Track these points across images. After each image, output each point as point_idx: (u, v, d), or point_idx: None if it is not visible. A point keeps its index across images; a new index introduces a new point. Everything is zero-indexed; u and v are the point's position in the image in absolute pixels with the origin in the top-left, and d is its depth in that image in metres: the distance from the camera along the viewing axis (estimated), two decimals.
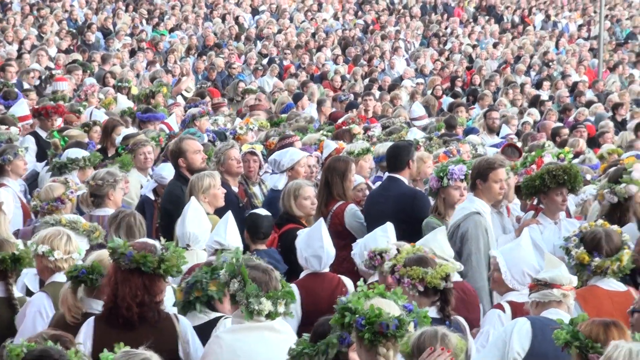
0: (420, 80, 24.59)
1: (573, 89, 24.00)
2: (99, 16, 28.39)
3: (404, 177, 9.58)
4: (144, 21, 28.90)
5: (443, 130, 15.43)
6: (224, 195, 9.17)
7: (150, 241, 6.32)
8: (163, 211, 9.80)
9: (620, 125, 19.28)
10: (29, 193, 10.84)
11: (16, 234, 8.61)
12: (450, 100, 21.43)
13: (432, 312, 6.47)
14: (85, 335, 5.91)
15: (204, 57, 25.04)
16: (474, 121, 18.42)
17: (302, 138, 12.62)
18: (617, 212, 8.99)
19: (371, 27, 31.72)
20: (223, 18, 30.28)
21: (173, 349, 6.03)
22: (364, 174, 10.83)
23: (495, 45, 29.97)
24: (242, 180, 10.53)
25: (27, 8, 27.97)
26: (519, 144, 13.72)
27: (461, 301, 6.89)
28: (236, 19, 30.25)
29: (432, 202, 9.14)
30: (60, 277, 6.68)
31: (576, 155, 13.31)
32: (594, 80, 25.22)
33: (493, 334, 6.57)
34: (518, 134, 17.41)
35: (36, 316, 6.58)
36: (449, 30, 32.07)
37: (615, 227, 7.46)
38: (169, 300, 6.56)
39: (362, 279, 5.76)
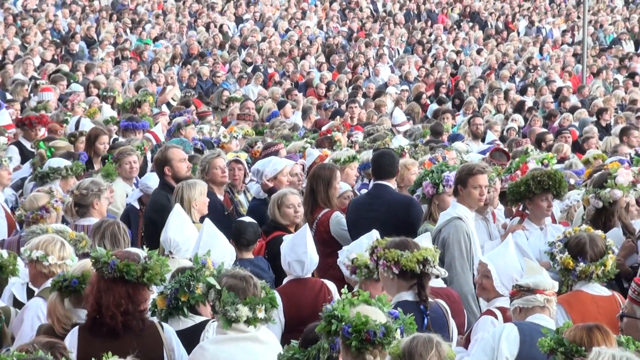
0: (405, 87, 24.61)
1: (557, 94, 24.08)
2: (83, 26, 28.35)
3: (392, 184, 9.60)
4: (127, 30, 28.86)
5: (428, 137, 15.44)
6: (210, 204, 9.17)
7: (134, 250, 6.32)
8: (147, 220, 9.78)
9: (605, 131, 19.34)
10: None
11: (1, 244, 8.59)
12: (436, 107, 21.47)
13: (409, 295, 6.51)
14: (69, 345, 5.85)
15: (189, 66, 25.04)
16: (459, 127, 18.46)
17: (286, 146, 12.63)
18: (602, 217, 9.03)
19: (355, 35, 31.75)
20: (207, 27, 30.28)
21: (158, 357, 6.02)
22: (350, 182, 10.84)
23: (479, 52, 30.06)
24: (228, 188, 10.53)
25: (10, 18, 27.88)
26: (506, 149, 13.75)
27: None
28: (220, 27, 30.25)
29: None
30: None
31: (561, 160, 13.35)
32: (579, 86, 25.30)
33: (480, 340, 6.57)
34: (502, 139, 17.45)
35: (34, 321, 6.59)
36: (433, 37, 32.13)
37: (599, 232, 7.48)
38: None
39: (346, 286, 5.75)
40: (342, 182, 10.24)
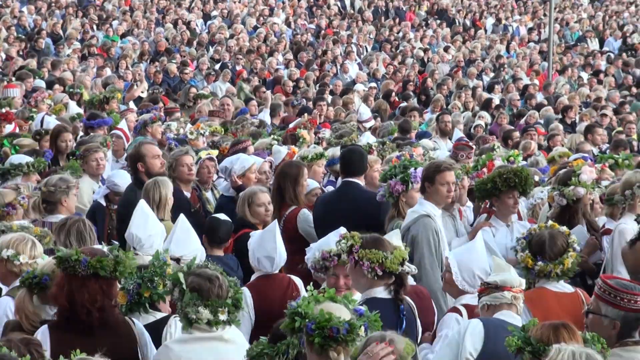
0: (373, 84, 24.65)
1: (524, 92, 24.21)
2: (49, 22, 28.15)
3: (360, 181, 9.62)
4: (94, 27, 28.72)
5: (396, 135, 15.48)
6: (176, 201, 9.17)
7: (97, 247, 6.28)
8: (118, 216, 9.78)
9: (570, 128, 19.49)
10: None
11: None
12: (404, 104, 21.53)
13: (383, 293, 6.54)
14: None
15: (157, 63, 24.95)
16: (427, 125, 18.52)
17: (253, 143, 12.63)
18: (567, 215, 9.12)
19: (323, 32, 31.77)
20: (175, 23, 30.16)
21: (132, 352, 6.01)
22: (318, 179, 10.85)
23: (446, 49, 30.15)
24: (195, 185, 10.52)
25: None
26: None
27: (415, 304, 6.90)
28: (188, 24, 30.16)
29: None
30: None
31: (527, 158, 13.45)
32: (545, 83, 25.44)
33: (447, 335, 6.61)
34: (470, 136, 17.53)
35: (2, 319, 6.53)
36: (400, 35, 32.19)
37: (563, 228, 7.53)
38: None
39: (312, 283, 5.76)
40: (310, 179, 10.26)
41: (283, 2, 34.81)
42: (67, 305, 5.89)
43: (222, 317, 5.81)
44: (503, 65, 28.28)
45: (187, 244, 7.66)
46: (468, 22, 35.19)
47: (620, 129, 18.52)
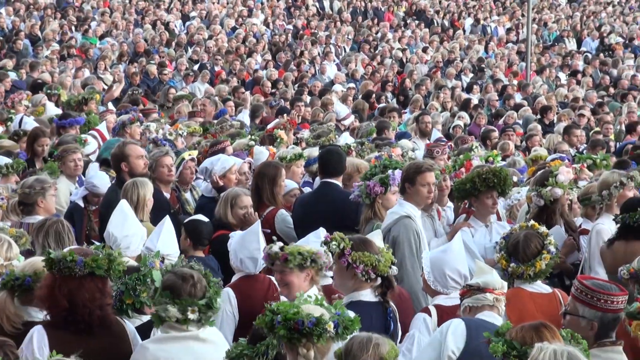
0: (352, 85, 24.68)
1: (502, 92, 24.28)
2: (27, 23, 28.03)
3: (338, 182, 9.62)
4: (73, 28, 28.62)
5: (375, 135, 15.49)
6: (156, 202, 9.16)
7: (84, 247, 6.28)
8: (99, 216, 9.76)
9: (548, 128, 19.58)
10: None
11: None
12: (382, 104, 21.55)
13: (370, 296, 6.58)
14: (38, 344, 5.80)
15: (135, 64, 24.89)
16: (406, 125, 18.55)
17: (232, 144, 12.63)
18: (544, 215, 9.15)
19: (301, 32, 31.78)
20: (154, 24, 30.10)
21: (127, 351, 6.00)
22: (297, 180, 10.86)
23: (425, 50, 30.21)
24: (175, 186, 10.51)
25: None
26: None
27: (396, 306, 6.92)
28: (167, 25, 30.11)
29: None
30: None
31: (505, 158, 13.51)
32: (523, 84, 25.52)
33: (419, 338, 6.62)
34: (448, 137, 17.58)
35: None
36: (379, 35, 32.23)
37: (543, 229, 7.56)
38: None
39: None
40: (288, 180, 10.26)
41: (262, 3, 34.79)
42: (67, 306, 5.85)
43: (192, 316, 5.75)
44: (483, 69, 28.31)
45: (172, 243, 7.66)
46: (446, 23, 35.27)
47: (598, 129, 18.64)
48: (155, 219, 8.50)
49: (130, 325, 6.24)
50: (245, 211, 9.10)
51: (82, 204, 10.39)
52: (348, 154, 11.42)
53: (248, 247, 7.55)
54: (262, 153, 11.71)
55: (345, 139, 13.93)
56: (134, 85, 22.14)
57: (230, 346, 5.84)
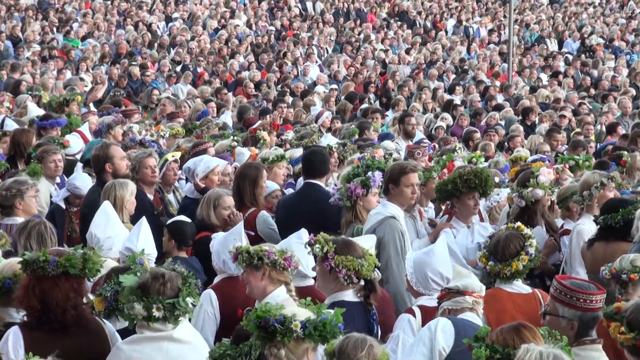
0: (334, 86, 24.69)
1: (484, 93, 24.34)
2: (8, 24, 27.95)
3: (322, 183, 9.63)
4: (54, 29, 28.54)
5: (357, 136, 15.50)
6: (140, 203, 9.15)
7: (61, 248, 6.28)
8: (81, 217, 9.74)
9: (530, 129, 19.64)
10: None
11: None
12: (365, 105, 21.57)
13: (352, 296, 6.60)
14: (13, 344, 5.80)
15: (118, 65, 24.85)
16: (388, 126, 18.58)
17: (215, 145, 12.63)
18: (525, 216, 9.19)
19: (284, 34, 31.78)
20: (136, 26, 30.06)
21: (105, 351, 5.99)
22: (279, 181, 10.86)
23: (407, 51, 30.25)
24: (158, 187, 10.50)
25: None
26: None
27: (377, 307, 6.94)
28: (149, 26, 30.06)
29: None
30: None
31: (487, 159, 13.55)
32: (505, 85, 25.58)
33: (404, 338, 6.64)
34: (430, 138, 17.62)
35: None
36: (361, 36, 32.26)
37: (526, 231, 7.59)
38: None
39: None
40: (270, 181, 10.27)
41: (244, 4, 34.79)
42: (39, 306, 5.86)
43: (157, 314, 5.71)
44: (465, 70, 28.37)
45: (151, 243, 7.66)
46: (429, 24, 35.33)
47: (579, 130, 18.71)
48: (137, 220, 8.48)
49: (110, 325, 6.24)
50: (230, 212, 9.09)
51: (63, 205, 10.38)
52: (330, 155, 11.44)
53: (230, 248, 7.54)
54: (243, 154, 11.71)
55: (328, 140, 13.94)
56: (119, 87, 22.10)
57: (213, 347, 5.84)
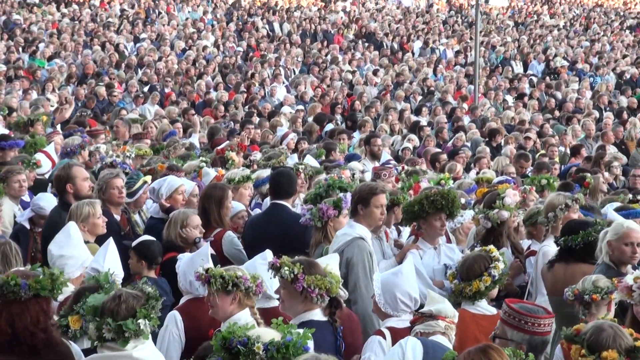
0: (301, 107, 24.71)
1: (451, 114, 24.46)
2: None
3: (288, 204, 9.63)
4: (20, 49, 28.42)
5: (323, 157, 15.54)
6: (107, 224, 9.08)
7: (23, 268, 6.24)
8: (42, 238, 9.67)
9: (496, 151, 19.75)
10: None
11: None
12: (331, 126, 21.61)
13: (320, 315, 6.64)
14: None
15: (85, 85, 24.77)
16: (354, 147, 18.62)
17: (182, 165, 12.62)
18: (491, 237, 9.24)
19: (251, 54, 31.81)
20: (103, 46, 29.99)
21: None
22: (244, 202, 10.85)
23: (375, 72, 30.36)
24: (124, 208, 10.46)
25: None
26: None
27: (344, 326, 6.94)
28: (117, 46, 30.00)
29: None
30: None
31: (454, 180, 13.60)
32: (472, 106, 25.74)
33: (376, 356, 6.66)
34: (397, 159, 17.68)
35: None
36: (329, 57, 32.36)
37: (496, 254, 7.64)
38: None
39: None
40: (236, 202, 10.26)
41: (212, 25, 34.81)
42: (9, 330, 5.80)
43: (107, 335, 5.68)
44: (432, 91, 28.52)
45: (117, 264, 7.62)
46: (396, 45, 35.51)
47: (544, 151, 18.85)
48: (104, 241, 8.44)
49: (76, 346, 6.19)
50: (198, 230, 9.04)
51: (28, 226, 10.32)
52: (297, 176, 11.45)
53: (199, 269, 7.53)
54: (209, 174, 11.70)
55: (295, 160, 13.96)
56: (87, 108, 22.02)
57: None
